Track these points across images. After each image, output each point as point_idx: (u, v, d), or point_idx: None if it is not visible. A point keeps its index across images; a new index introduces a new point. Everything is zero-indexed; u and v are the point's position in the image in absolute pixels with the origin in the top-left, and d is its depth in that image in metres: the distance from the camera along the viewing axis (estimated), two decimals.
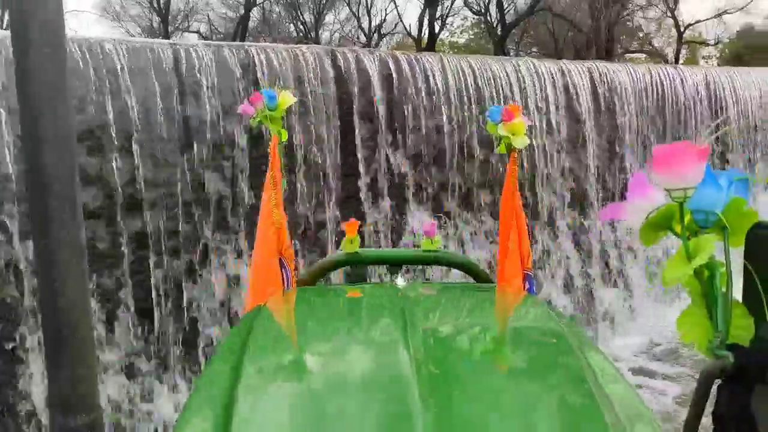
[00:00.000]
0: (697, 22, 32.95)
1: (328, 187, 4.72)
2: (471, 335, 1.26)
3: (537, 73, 6.04)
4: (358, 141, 4.85)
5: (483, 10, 25.22)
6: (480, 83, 5.54)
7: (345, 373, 1.04)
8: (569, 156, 6.36)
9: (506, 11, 24.41)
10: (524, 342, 1.23)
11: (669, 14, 33.32)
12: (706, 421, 0.67)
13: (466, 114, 5.37)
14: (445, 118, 5.32)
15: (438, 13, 25.43)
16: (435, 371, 0.96)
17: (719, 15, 33.75)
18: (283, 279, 1.67)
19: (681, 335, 0.65)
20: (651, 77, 7.34)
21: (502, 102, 5.58)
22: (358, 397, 0.95)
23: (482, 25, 26.93)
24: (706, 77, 8.40)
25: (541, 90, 6.01)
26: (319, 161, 4.68)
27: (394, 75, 5.02)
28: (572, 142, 6.37)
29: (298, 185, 4.58)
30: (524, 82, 5.88)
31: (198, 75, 4.13)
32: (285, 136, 1.80)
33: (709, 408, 0.67)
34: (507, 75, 5.72)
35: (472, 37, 29.36)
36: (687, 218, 0.65)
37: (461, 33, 29.63)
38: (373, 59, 4.92)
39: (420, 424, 0.81)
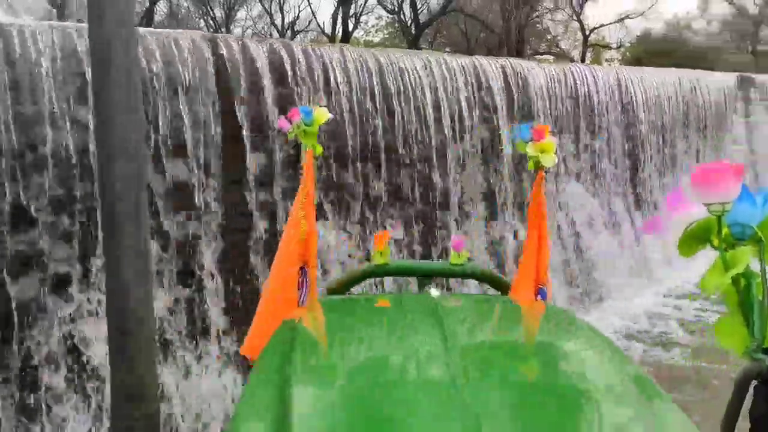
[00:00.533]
0: (601, 26, 34.19)
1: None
2: (508, 347, 1.26)
3: (448, 68, 5.57)
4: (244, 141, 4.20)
5: (397, 9, 24.98)
6: (387, 78, 4.99)
7: (391, 385, 1.05)
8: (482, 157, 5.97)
9: (420, 11, 24.28)
10: (565, 356, 1.23)
11: (575, 18, 34.40)
12: (743, 422, 0.67)
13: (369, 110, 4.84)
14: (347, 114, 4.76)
15: (352, 11, 25.11)
16: (476, 381, 1.00)
17: (621, 20, 35.15)
18: (300, 289, 1.65)
19: (719, 340, 0.66)
20: (564, 76, 7.05)
21: (411, 96, 5.10)
22: (404, 407, 0.96)
23: (396, 25, 26.71)
24: (617, 76, 8.22)
25: (452, 86, 5.55)
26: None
27: (287, 66, 4.40)
28: (485, 142, 5.96)
29: None
30: (434, 77, 5.39)
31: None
32: (320, 150, 1.81)
33: (745, 409, 0.68)
34: (416, 70, 5.22)
35: (387, 36, 29.13)
36: (724, 231, 0.69)
37: (376, 32, 29.41)
38: (260, 48, 4.28)
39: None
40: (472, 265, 2.00)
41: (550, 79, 6.61)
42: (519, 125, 1.85)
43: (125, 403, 1.18)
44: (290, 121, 1.81)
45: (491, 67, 6.02)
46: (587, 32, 34.26)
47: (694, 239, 0.71)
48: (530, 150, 1.74)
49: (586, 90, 7.40)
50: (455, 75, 5.57)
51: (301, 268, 1.69)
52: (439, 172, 5.41)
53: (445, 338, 1.14)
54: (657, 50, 30.92)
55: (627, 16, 35.11)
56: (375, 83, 4.92)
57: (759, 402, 0.68)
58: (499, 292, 1.90)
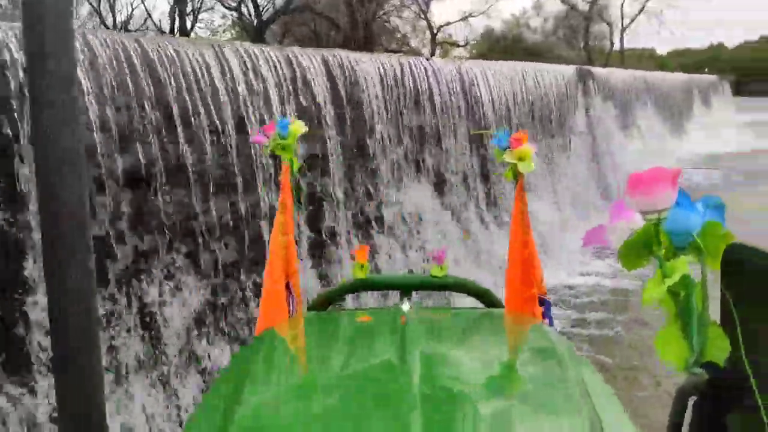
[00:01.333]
0: (447, 24, 35.16)
1: None
2: (467, 361, 1.21)
3: (252, 58, 4.44)
4: None
5: (236, 5, 23.53)
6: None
7: (342, 398, 1.03)
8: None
9: (265, 9, 22.98)
10: (522, 370, 1.20)
11: (422, 16, 35.00)
12: None
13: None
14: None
15: (189, 8, 23.42)
16: (431, 395, 0.96)
17: (465, 18, 36.24)
18: (288, 303, 1.65)
19: (659, 354, 0.63)
20: (402, 68, 6.14)
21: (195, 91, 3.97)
22: (355, 422, 0.95)
23: (239, 22, 25.26)
24: (460, 70, 7.48)
25: (256, 79, 4.43)
26: None
27: None
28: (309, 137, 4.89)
29: None
30: (230, 70, 4.24)
31: None
32: (297, 165, 1.80)
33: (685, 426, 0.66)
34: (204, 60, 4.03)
35: (234, 36, 27.49)
36: (664, 241, 0.65)
37: (224, 32, 27.71)
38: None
39: None
40: (454, 277, 1.94)
41: (384, 72, 5.68)
42: (497, 133, 1.76)
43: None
44: (266, 135, 1.78)
45: (312, 61, 4.96)
46: (435, 30, 35.05)
47: (635, 250, 0.66)
48: (508, 157, 1.71)
49: (427, 84, 6.57)
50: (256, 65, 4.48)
51: (286, 283, 1.69)
52: None
53: (403, 353, 1.10)
54: (499, 47, 31.95)
55: (470, 15, 36.27)
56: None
57: (697, 419, 0.65)
58: (483, 305, 1.83)
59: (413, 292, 1.77)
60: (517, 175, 1.74)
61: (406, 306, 1.53)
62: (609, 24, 38.68)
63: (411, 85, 6.35)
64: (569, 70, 11.64)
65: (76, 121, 1.02)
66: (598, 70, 13.78)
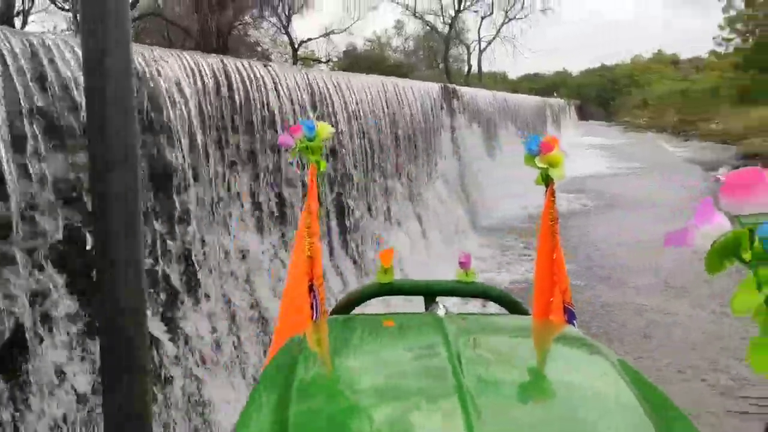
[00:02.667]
0: (309, 39, 34.56)
1: None
2: (522, 369, 1.17)
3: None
4: None
5: (70, 6, 20.88)
6: None
7: (398, 407, 0.97)
8: None
9: None
10: (578, 378, 1.13)
11: (283, 31, 34.15)
12: None
13: None
14: None
15: (18, 7, 20.56)
16: (488, 403, 0.93)
17: (327, 34, 35.71)
18: (312, 307, 1.60)
19: (753, 366, 0.59)
20: (225, 73, 4.60)
21: None
22: (407, 425, 0.92)
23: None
24: (309, 80, 6.05)
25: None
26: None
27: None
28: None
29: None
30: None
31: None
32: (324, 166, 1.75)
33: None
34: None
35: None
36: (756, 246, 0.60)
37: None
38: None
39: None
40: (481, 284, 1.83)
41: (189, 75, 4.10)
42: (528, 138, 1.62)
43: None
44: (292, 137, 1.71)
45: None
46: (296, 45, 34.39)
47: (721, 254, 0.61)
48: (539, 163, 1.62)
49: (263, 93, 5.07)
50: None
51: (310, 286, 1.62)
52: None
53: (453, 359, 1.05)
54: (361, 65, 31.49)
55: (332, 32, 35.74)
56: None
57: None
58: (509, 313, 1.75)
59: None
60: (547, 181, 1.66)
61: (441, 311, 1.53)
62: (467, 46, 39.36)
63: (242, 96, 4.83)
64: (434, 87, 10.65)
65: (132, 115, 1.03)
66: (463, 89, 13.00)
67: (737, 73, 35.42)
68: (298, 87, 5.75)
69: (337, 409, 0.98)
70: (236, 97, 4.74)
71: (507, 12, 37.09)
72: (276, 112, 5.21)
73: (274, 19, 30.79)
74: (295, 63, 30.40)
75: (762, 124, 26.21)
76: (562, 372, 1.18)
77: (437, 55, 39.55)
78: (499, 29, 37.69)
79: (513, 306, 1.76)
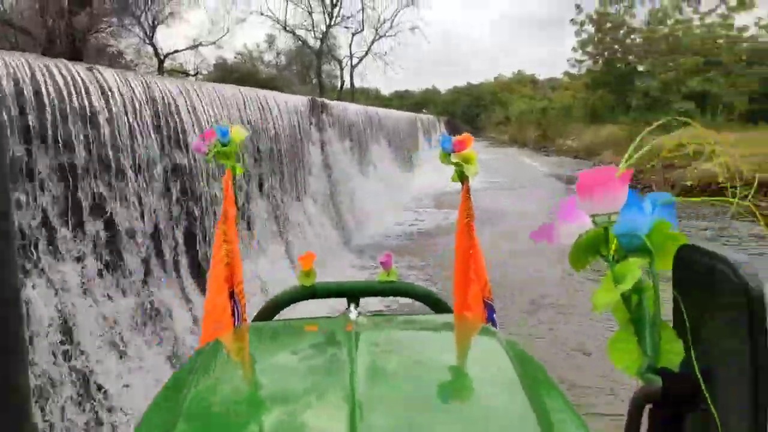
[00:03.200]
0: (176, 51, 33.29)
1: None
2: (415, 366, 1.16)
3: None
4: None
5: None
6: None
7: (287, 410, 0.97)
8: None
9: None
10: (470, 376, 1.16)
11: (147, 41, 32.75)
12: None
13: None
14: None
15: None
16: (376, 404, 0.93)
17: (194, 46, 34.46)
18: (234, 314, 1.60)
19: (612, 360, 0.59)
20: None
21: None
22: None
23: None
24: (149, 88, 5.20)
25: None
26: None
27: None
28: None
29: None
30: None
31: None
32: (240, 171, 1.73)
33: None
34: None
35: None
36: (614, 243, 0.61)
37: None
38: None
39: None
40: (403, 283, 1.86)
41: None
42: (442, 137, 1.67)
43: None
44: (205, 142, 1.68)
45: None
46: (162, 57, 33.19)
47: (584, 251, 0.62)
48: (453, 160, 1.67)
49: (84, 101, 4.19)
50: None
51: (231, 292, 1.62)
52: None
53: (351, 361, 1.07)
54: (232, 78, 30.51)
55: (200, 44, 34.49)
56: None
57: (653, 427, 0.58)
58: (433, 312, 1.76)
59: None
60: (463, 179, 1.71)
61: (353, 314, 1.51)
62: (339, 62, 39.18)
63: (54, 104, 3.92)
64: (302, 100, 10.02)
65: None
66: (332, 103, 12.47)
67: (588, 93, 37.98)
68: (134, 94, 4.89)
69: (221, 416, 0.97)
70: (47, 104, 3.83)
71: (377, 29, 37.40)
72: (103, 124, 4.33)
73: (138, 30, 29.31)
74: (161, 75, 28.79)
75: (610, 139, 28.15)
76: (457, 366, 1.20)
77: (310, 70, 39.06)
78: (370, 46, 37.92)
79: (436, 304, 1.76)
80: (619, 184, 0.60)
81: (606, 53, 35.83)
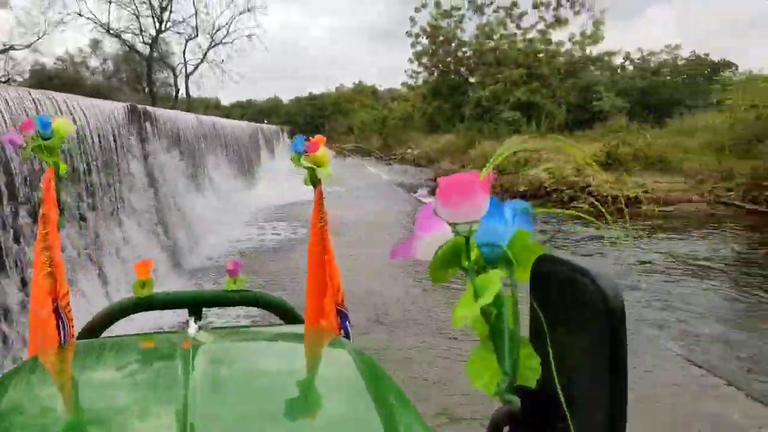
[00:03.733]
0: None
1: None
2: (259, 382, 1.10)
3: None
4: None
5: None
6: None
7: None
8: None
9: None
10: (316, 388, 1.11)
11: None
12: None
13: None
14: None
15: None
16: (210, 424, 0.88)
17: (5, 50, 31.32)
18: (59, 330, 1.41)
19: (471, 379, 0.57)
20: None
21: None
22: None
23: None
24: None
25: None
26: None
27: None
28: None
29: None
30: None
31: None
32: (63, 169, 1.52)
33: None
34: None
35: None
36: (475, 253, 0.58)
37: None
38: None
39: None
40: (250, 291, 1.73)
41: None
42: (295, 138, 1.62)
43: None
44: (23, 134, 1.47)
45: None
46: None
47: (443, 263, 0.59)
48: (305, 162, 1.62)
49: None
50: None
51: (55, 307, 1.43)
52: None
53: (185, 379, 1.00)
54: (53, 85, 27.68)
55: (11, 47, 31.25)
56: None
57: None
58: (284, 322, 1.71)
59: (203, 311, 1.63)
60: (315, 181, 1.66)
61: (192, 328, 1.43)
62: (172, 69, 36.91)
63: None
64: (117, 108, 8.82)
65: None
66: (158, 111, 11.27)
67: (425, 103, 39.21)
68: None
69: None
70: None
71: (212, 36, 35.66)
72: None
73: None
74: None
75: (447, 147, 29.19)
76: (303, 379, 1.15)
77: (142, 78, 36.38)
78: (206, 53, 36.06)
79: (286, 314, 1.70)
80: (481, 191, 0.57)
81: (440, 65, 37.22)
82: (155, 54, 34.65)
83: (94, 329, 1.57)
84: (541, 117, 28.36)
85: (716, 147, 21.23)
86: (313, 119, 65.43)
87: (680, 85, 29.88)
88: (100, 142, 7.58)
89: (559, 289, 0.55)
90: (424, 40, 37.40)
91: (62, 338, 1.40)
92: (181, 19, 34.11)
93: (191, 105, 34.93)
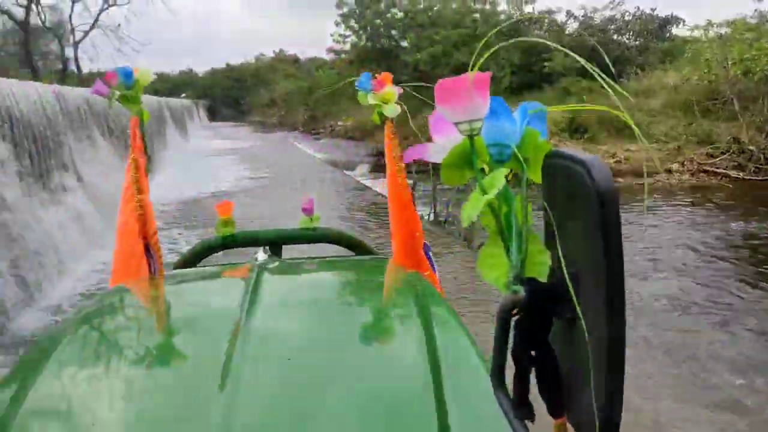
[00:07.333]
0: None
1: None
2: (313, 310, 1.13)
3: None
4: None
5: None
6: None
7: (162, 356, 0.98)
8: None
9: None
10: (370, 316, 1.14)
11: None
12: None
13: None
14: None
15: None
16: (258, 352, 0.91)
17: None
18: (149, 266, 1.52)
19: (482, 274, 0.58)
20: None
21: None
22: (163, 377, 0.91)
23: None
24: None
25: None
26: None
27: None
28: None
29: None
30: None
31: None
32: (147, 117, 1.60)
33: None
34: None
35: None
36: (484, 154, 0.59)
37: None
38: None
39: (216, 412, 0.77)
40: (325, 228, 1.77)
41: None
42: (361, 76, 1.60)
43: None
44: (108, 85, 1.52)
45: None
46: None
47: (456, 164, 0.59)
48: (372, 99, 1.62)
49: None
50: None
51: (145, 244, 1.53)
52: None
53: (247, 305, 1.04)
54: None
55: None
56: None
57: (520, 335, 0.57)
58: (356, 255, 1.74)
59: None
60: (383, 119, 1.63)
61: (261, 256, 1.53)
62: (59, 37, 31.12)
63: None
64: None
65: None
66: None
67: (354, 69, 35.27)
68: None
69: (87, 368, 0.93)
70: None
71: None
72: None
73: None
74: None
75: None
76: (362, 311, 1.15)
77: (35, 50, 30.54)
78: (97, 17, 30.37)
79: (360, 248, 1.71)
80: (475, 89, 0.55)
81: (368, 27, 33.23)
82: (38, 20, 28.92)
83: (183, 265, 1.61)
84: None
85: (682, 108, 18.82)
86: (231, 92, 59.94)
87: (630, 43, 27.35)
88: None
89: (563, 183, 0.53)
90: (350, 0, 33.26)
91: (153, 272, 1.49)
92: None
93: (84, 79, 29.44)
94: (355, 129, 28.85)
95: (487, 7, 30.85)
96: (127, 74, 1.50)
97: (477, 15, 30.35)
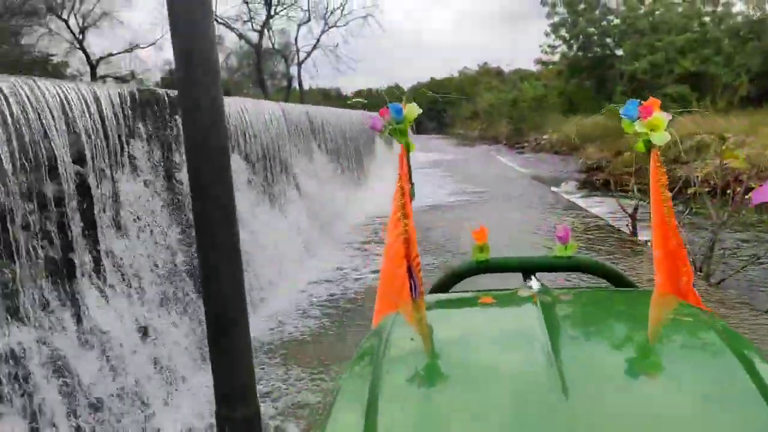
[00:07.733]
0: (110, 55, 30.25)
1: None
2: (615, 343, 1.12)
3: None
4: None
5: None
6: None
7: (484, 379, 0.98)
8: None
9: None
10: (683, 356, 1.08)
11: (77, 45, 29.89)
12: None
13: None
14: None
15: None
16: (577, 374, 0.91)
17: (131, 49, 30.98)
18: (411, 288, 1.61)
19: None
20: None
21: None
22: (500, 402, 0.91)
23: None
24: None
25: None
26: None
27: None
28: None
29: None
30: None
31: None
32: (413, 147, 1.74)
33: None
34: None
35: None
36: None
37: None
38: None
39: (564, 428, 0.80)
40: (582, 257, 1.74)
41: None
42: (627, 103, 1.57)
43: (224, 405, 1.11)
44: (382, 120, 1.71)
45: None
46: (95, 61, 29.73)
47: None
48: (639, 128, 1.56)
49: None
50: None
51: (408, 267, 1.62)
52: None
53: (545, 333, 1.03)
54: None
55: (137, 46, 30.61)
56: None
57: None
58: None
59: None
60: (650, 148, 1.59)
61: (535, 284, 1.48)
62: (285, 58, 34.21)
63: None
64: (111, 92, 5.28)
65: (222, 122, 1.05)
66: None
67: (562, 80, 33.77)
68: None
69: (425, 388, 0.97)
70: None
71: (326, 19, 32.35)
72: None
73: (66, 34, 26.01)
74: (94, 81, 24.73)
75: (594, 131, 23.64)
76: (659, 343, 1.12)
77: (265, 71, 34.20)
78: (319, 38, 32.82)
79: (617, 279, 1.68)
80: None
81: (581, 36, 31.57)
82: (270, 43, 32.14)
83: (440, 288, 1.66)
84: (716, 90, 22.34)
85: None
86: (434, 106, 61.34)
87: None
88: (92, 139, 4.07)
89: None
90: (562, 9, 31.90)
91: (414, 294, 1.58)
92: (291, 1, 30.88)
93: (303, 96, 32.01)
94: (561, 143, 27.48)
95: (719, 9, 27.52)
96: (398, 110, 1.66)
97: (707, 18, 27.23)
